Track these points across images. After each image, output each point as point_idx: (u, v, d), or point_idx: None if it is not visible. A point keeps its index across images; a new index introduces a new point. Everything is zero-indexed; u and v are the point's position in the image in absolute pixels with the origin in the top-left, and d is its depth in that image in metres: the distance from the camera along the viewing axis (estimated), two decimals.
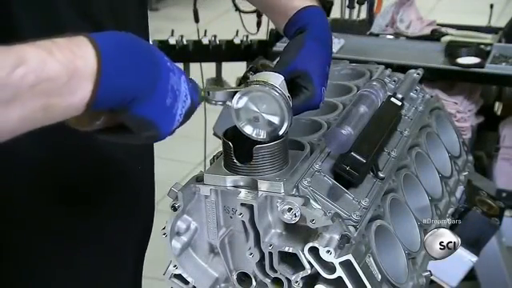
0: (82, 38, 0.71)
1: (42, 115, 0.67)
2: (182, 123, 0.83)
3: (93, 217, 1.13)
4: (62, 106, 0.68)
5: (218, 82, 2.52)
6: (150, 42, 2.48)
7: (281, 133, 0.95)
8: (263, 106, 0.93)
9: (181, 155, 3.15)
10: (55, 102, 0.67)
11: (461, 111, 2.20)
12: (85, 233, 1.12)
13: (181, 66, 2.51)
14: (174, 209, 0.97)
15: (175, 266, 1.00)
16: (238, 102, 0.93)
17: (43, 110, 0.67)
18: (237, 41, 2.48)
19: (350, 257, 0.90)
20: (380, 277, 0.95)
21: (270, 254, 0.95)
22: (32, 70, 0.64)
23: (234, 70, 2.53)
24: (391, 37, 2.36)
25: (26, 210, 1.06)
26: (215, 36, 2.47)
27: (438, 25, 2.39)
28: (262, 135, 0.95)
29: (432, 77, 2.13)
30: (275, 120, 0.94)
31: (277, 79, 0.94)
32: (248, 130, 0.95)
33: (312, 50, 1.02)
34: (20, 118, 0.65)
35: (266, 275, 0.98)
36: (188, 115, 0.84)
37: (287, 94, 0.94)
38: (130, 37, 0.77)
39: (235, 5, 2.50)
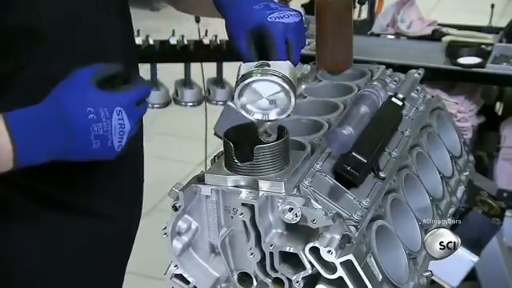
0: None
1: None
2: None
3: (79, 214, 1.10)
4: None
5: (218, 82, 2.52)
6: (151, 42, 2.47)
7: (290, 109, 0.96)
8: (264, 91, 0.96)
9: (182, 155, 3.15)
10: None
11: (462, 111, 2.20)
12: (70, 231, 1.10)
13: (182, 66, 2.52)
14: (175, 209, 0.97)
15: (176, 265, 1.00)
16: (240, 97, 0.97)
17: None
18: None
19: (350, 257, 0.90)
20: (381, 277, 0.95)
21: (271, 253, 0.95)
22: None
23: (234, 70, 2.52)
24: (392, 37, 2.36)
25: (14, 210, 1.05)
26: (216, 36, 2.47)
27: (438, 25, 2.39)
28: (272, 116, 0.97)
29: (433, 77, 2.13)
30: (280, 97, 0.96)
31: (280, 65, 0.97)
32: (258, 117, 0.98)
33: None
34: None
35: (267, 275, 0.98)
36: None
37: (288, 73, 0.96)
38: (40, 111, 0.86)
39: None
